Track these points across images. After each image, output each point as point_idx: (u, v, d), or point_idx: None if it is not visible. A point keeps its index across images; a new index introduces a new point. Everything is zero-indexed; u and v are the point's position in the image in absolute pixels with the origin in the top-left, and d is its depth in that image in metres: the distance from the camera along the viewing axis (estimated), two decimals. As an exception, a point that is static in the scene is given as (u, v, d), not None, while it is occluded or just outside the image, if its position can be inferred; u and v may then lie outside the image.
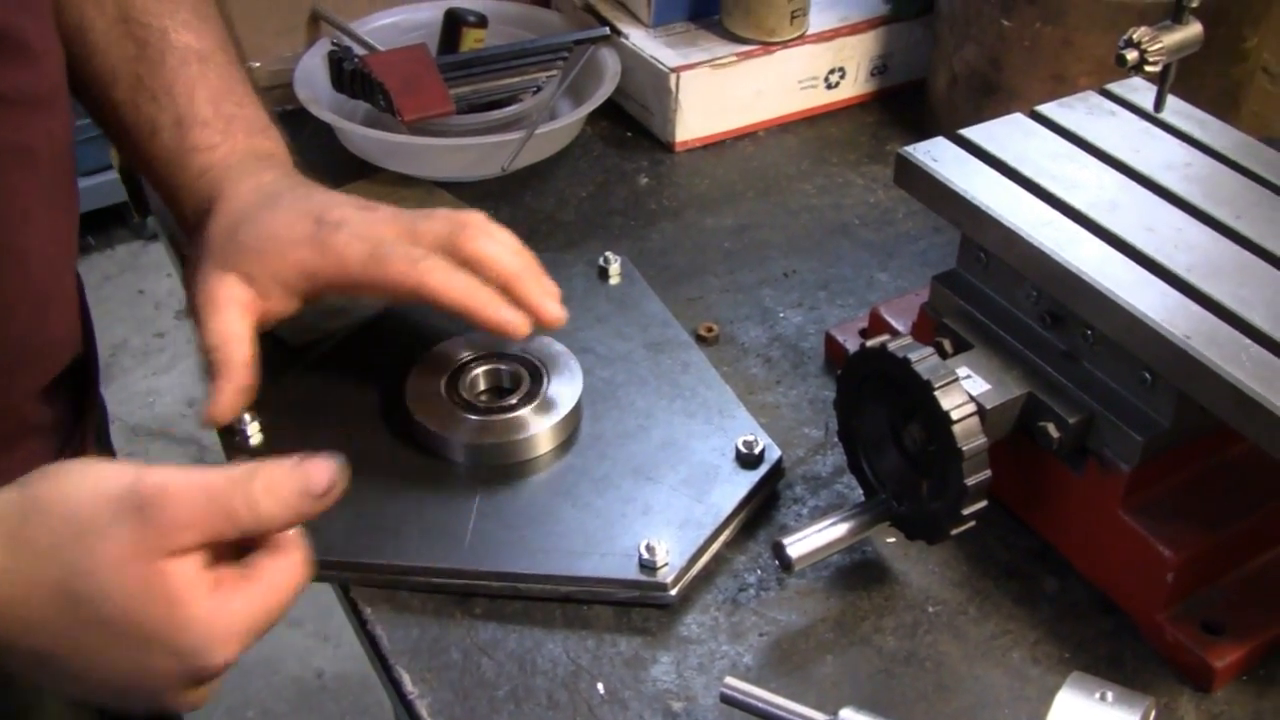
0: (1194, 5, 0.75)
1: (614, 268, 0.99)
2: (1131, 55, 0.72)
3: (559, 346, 0.89)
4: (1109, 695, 0.63)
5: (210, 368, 0.81)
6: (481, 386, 0.89)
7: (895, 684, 0.75)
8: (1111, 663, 0.76)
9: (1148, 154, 0.84)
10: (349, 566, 0.79)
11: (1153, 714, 0.64)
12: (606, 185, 1.14)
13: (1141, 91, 0.90)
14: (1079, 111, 0.88)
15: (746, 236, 1.09)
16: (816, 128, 1.23)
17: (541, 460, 0.85)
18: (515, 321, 0.81)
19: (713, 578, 0.80)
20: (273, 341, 0.92)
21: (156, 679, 0.62)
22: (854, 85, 1.24)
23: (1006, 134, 0.86)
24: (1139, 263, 0.76)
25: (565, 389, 0.87)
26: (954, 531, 0.76)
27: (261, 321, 0.83)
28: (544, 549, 0.79)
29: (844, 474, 0.86)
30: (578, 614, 0.78)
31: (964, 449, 0.72)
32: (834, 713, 0.68)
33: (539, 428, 0.85)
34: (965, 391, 0.74)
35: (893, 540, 0.83)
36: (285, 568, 0.64)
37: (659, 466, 0.84)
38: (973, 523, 0.76)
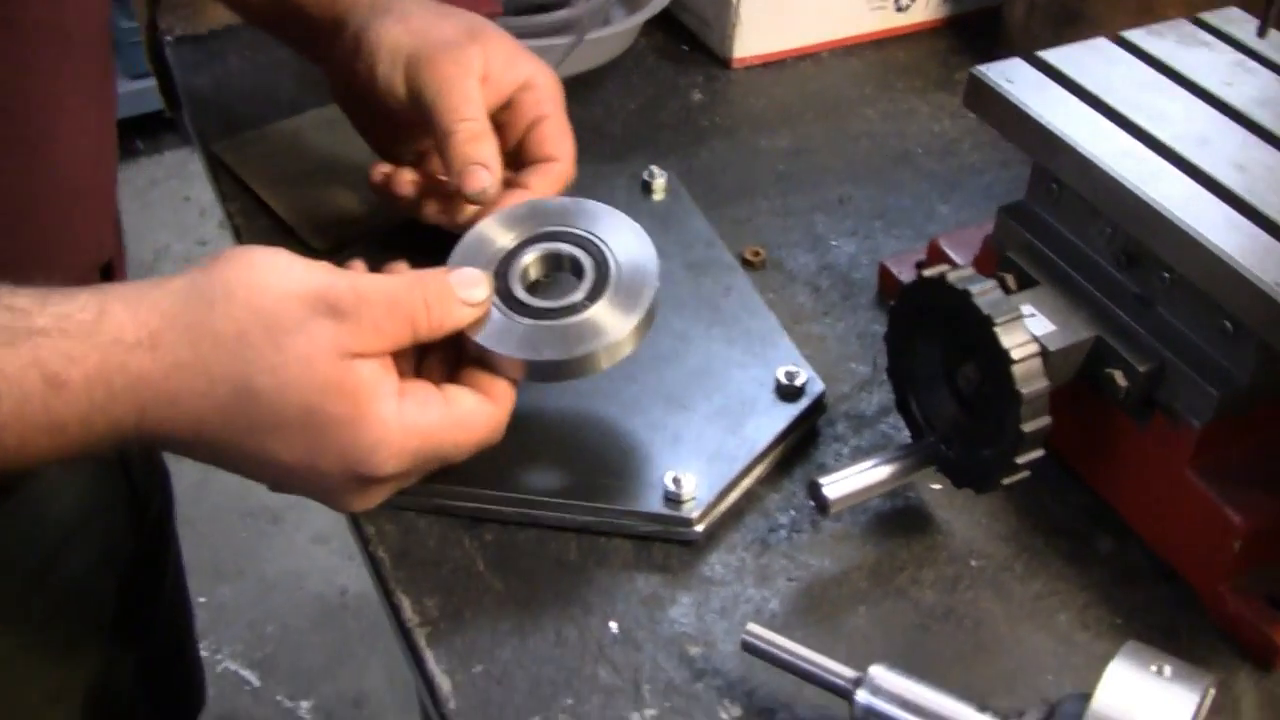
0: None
1: (658, 182, 0.93)
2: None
3: (616, 216, 0.75)
4: (1166, 669, 0.58)
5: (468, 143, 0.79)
6: (534, 276, 0.74)
7: (931, 641, 0.70)
8: (1166, 633, 0.71)
9: (1242, 87, 0.78)
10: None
11: (1211, 693, 0.58)
12: (658, 99, 1.08)
13: (1238, 23, 0.83)
14: (1169, 40, 0.81)
15: (802, 160, 1.03)
16: (884, 51, 1.16)
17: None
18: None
19: (742, 516, 0.75)
20: (300, 246, 0.88)
21: (325, 479, 0.64)
22: (926, 9, 1.17)
23: (1089, 59, 0.79)
24: (1227, 202, 0.69)
25: (638, 275, 0.72)
26: (1006, 481, 0.70)
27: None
28: (562, 473, 0.74)
29: (890, 414, 0.81)
30: (594, 546, 0.73)
31: (1023, 392, 0.66)
32: (863, 669, 0.62)
33: (618, 331, 0.70)
34: (1028, 330, 0.68)
35: (938, 487, 0.77)
36: (480, 409, 0.67)
37: (692, 394, 0.79)
38: (1027, 473, 0.70)
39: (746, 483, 0.76)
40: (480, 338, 0.68)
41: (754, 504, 0.76)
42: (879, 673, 0.62)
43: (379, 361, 0.63)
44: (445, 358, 0.70)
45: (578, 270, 0.72)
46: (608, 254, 0.72)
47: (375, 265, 0.72)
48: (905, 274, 0.89)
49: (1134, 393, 0.71)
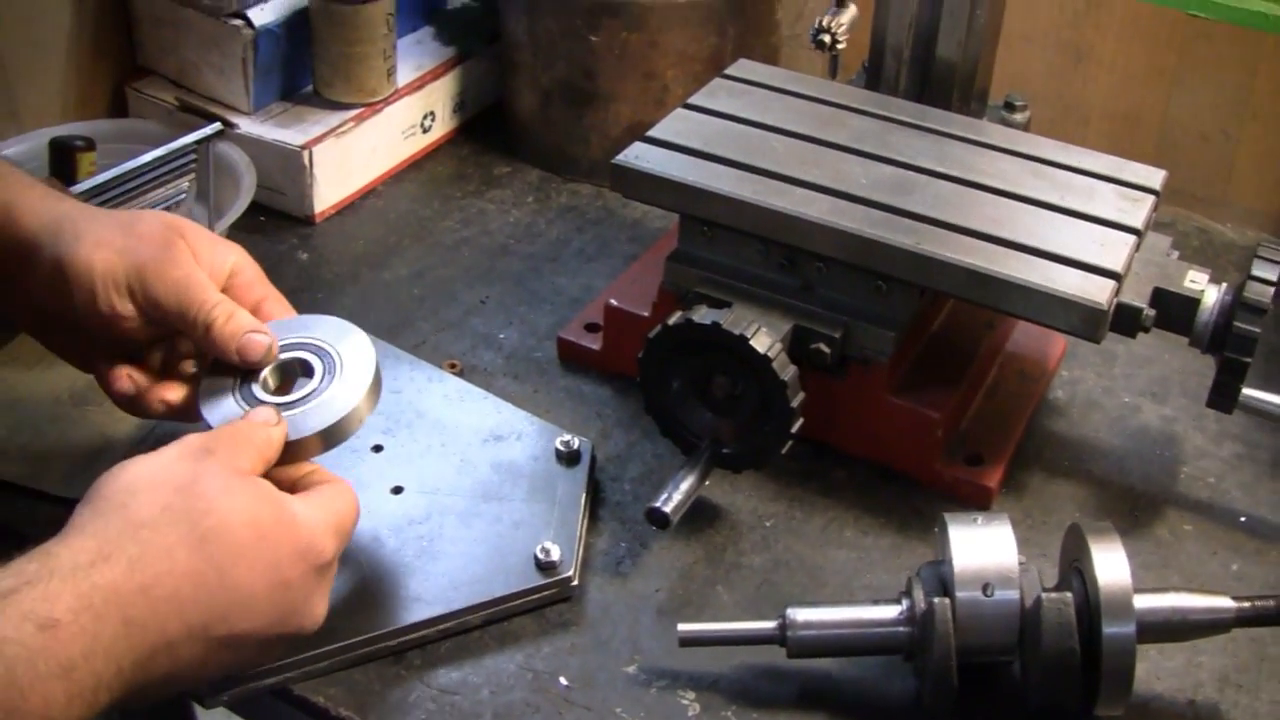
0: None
1: (351, 336, 1.04)
2: (826, 39, 0.89)
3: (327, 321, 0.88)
4: (979, 519, 0.81)
5: (230, 321, 0.83)
6: (273, 383, 0.85)
7: (779, 589, 0.89)
8: (915, 513, 0.95)
9: (800, 116, 1.03)
10: (285, 669, 0.81)
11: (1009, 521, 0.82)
12: (272, 270, 1.15)
13: (753, 69, 1.09)
14: (722, 96, 1.05)
15: (427, 279, 1.18)
16: (425, 170, 1.33)
17: (392, 505, 0.90)
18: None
19: (591, 563, 0.91)
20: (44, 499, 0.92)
21: (293, 587, 0.72)
22: (443, 124, 1.35)
23: (683, 127, 1.01)
24: (849, 200, 0.94)
25: (354, 354, 0.85)
26: (784, 450, 0.91)
27: None
28: (451, 585, 0.86)
29: (636, 446, 0.99)
30: (503, 631, 0.86)
31: (785, 379, 0.87)
32: (779, 615, 0.81)
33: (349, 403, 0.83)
34: (770, 334, 0.89)
35: (707, 484, 0.96)
36: (341, 486, 0.79)
37: (503, 485, 0.93)
38: (792, 440, 0.91)
39: (582, 537, 0.91)
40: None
41: (593, 553, 0.92)
42: (794, 611, 0.81)
43: (265, 480, 0.75)
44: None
45: (308, 369, 0.85)
46: (328, 348, 0.85)
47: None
48: (583, 340, 1.07)
49: (834, 355, 0.94)
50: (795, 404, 0.88)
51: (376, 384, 0.84)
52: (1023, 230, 0.92)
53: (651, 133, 1.01)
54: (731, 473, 0.94)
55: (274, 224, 1.25)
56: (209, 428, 0.80)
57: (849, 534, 0.93)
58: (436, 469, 0.94)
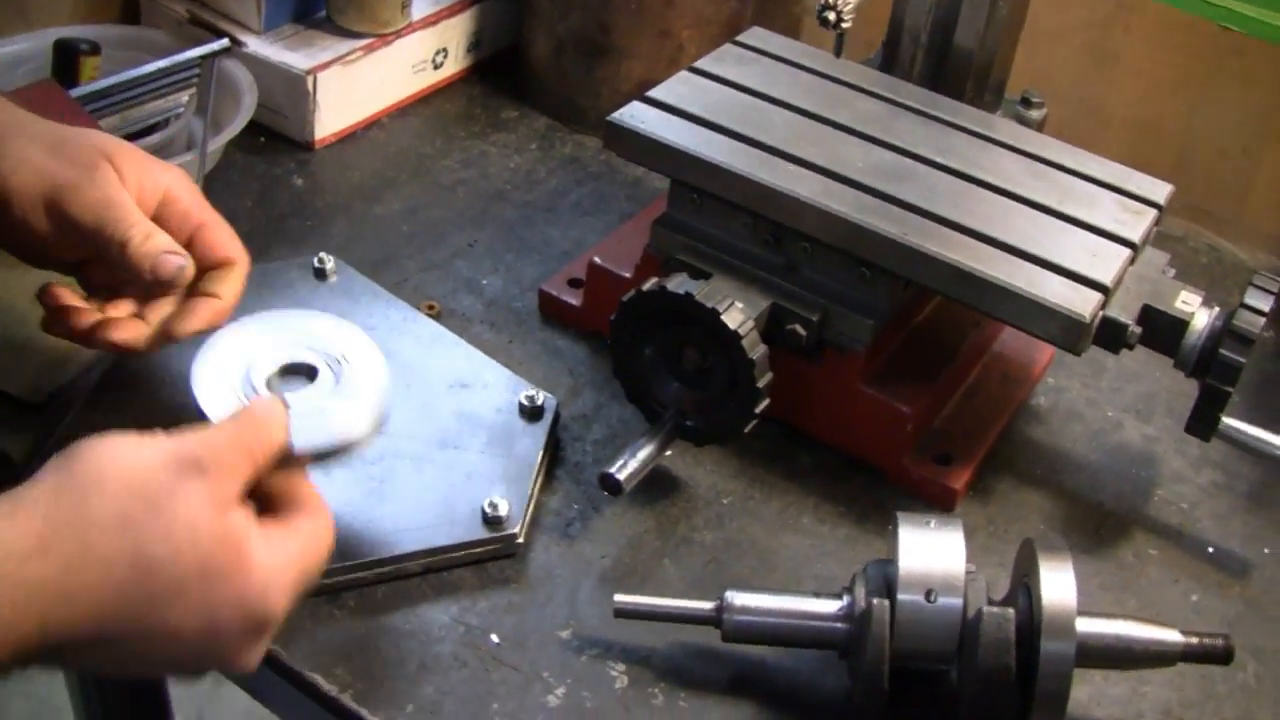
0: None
1: (330, 266, 1.03)
2: (831, 16, 0.87)
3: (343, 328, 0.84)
4: (932, 523, 0.79)
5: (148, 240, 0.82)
6: (279, 384, 0.81)
7: (726, 568, 0.88)
8: (876, 507, 0.93)
9: (807, 91, 1.01)
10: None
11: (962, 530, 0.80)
12: (265, 192, 1.17)
13: (765, 38, 1.07)
14: (730, 63, 1.03)
15: (419, 217, 1.16)
16: (432, 106, 1.32)
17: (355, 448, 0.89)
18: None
19: (541, 522, 0.90)
20: (5, 401, 0.91)
21: (222, 637, 0.65)
22: (456, 62, 1.33)
23: (686, 90, 0.99)
24: (840, 181, 0.92)
25: (367, 373, 0.82)
26: (747, 429, 0.89)
27: None
28: (395, 530, 0.85)
29: (604, 408, 0.98)
30: (442, 581, 0.85)
31: (754, 358, 0.86)
32: (718, 597, 0.80)
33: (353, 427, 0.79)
34: (743, 311, 0.87)
35: (669, 453, 0.95)
36: (320, 523, 0.71)
37: (462, 434, 0.92)
38: (757, 418, 0.89)
39: (535, 494, 0.90)
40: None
41: (544, 510, 0.90)
42: (733, 595, 0.79)
43: (243, 509, 0.67)
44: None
45: (312, 373, 0.80)
46: (339, 357, 0.81)
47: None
48: (565, 295, 1.05)
49: (810, 338, 0.92)
50: (762, 384, 0.87)
51: (381, 400, 0.79)
52: (1015, 232, 0.90)
53: (651, 93, 0.98)
54: (694, 446, 0.93)
55: (273, 147, 1.23)
56: (202, 415, 0.76)
57: (806, 521, 0.92)
58: (398, 411, 0.92)
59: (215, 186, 1.17)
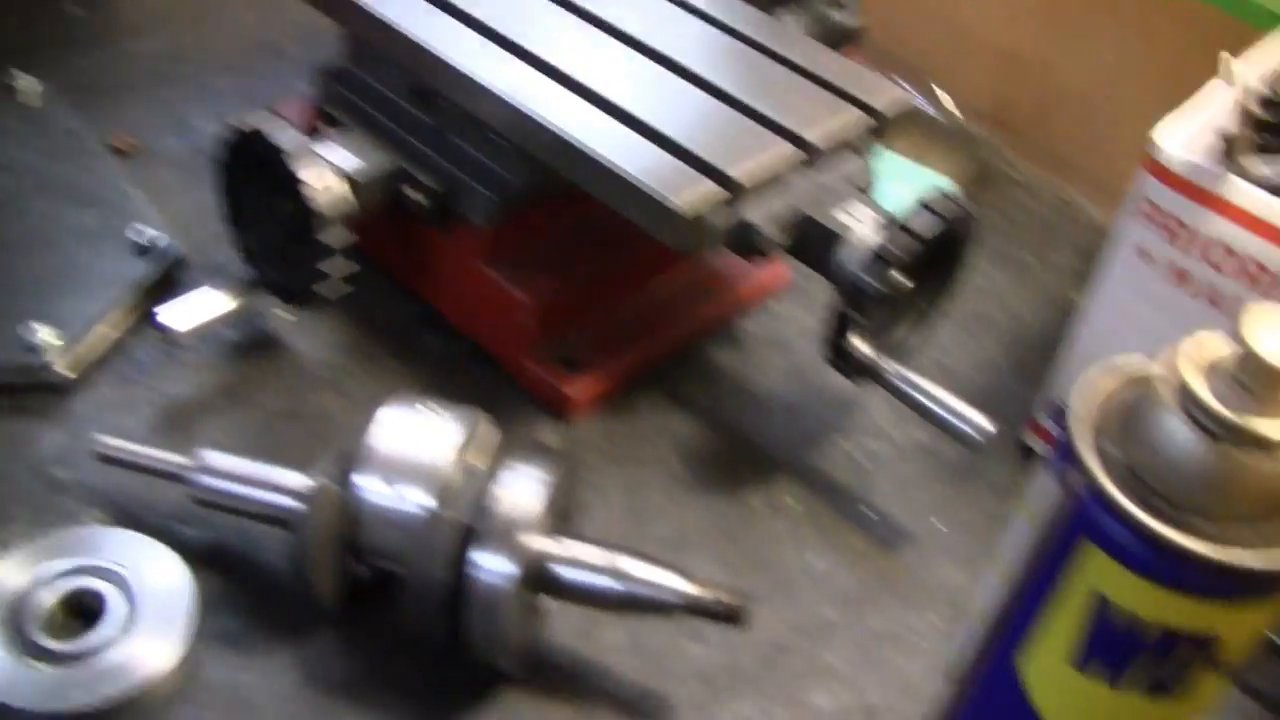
0: None
1: (21, 83, 0.98)
2: None
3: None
4: (435, 408, 0.70)
5: None
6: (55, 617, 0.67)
7: (275, 436, 0.80)
8: (487, 405, 0.82)
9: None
10: None
11: (481, 423, 0.70)
12: (34, 17, 1.12)
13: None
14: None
15: (178, 60, 1.10)
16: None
17: None
18: None
19: (109, 361, 0.82)
20: None
21: None
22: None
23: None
24: (501, 45, 0.82)
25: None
26: (316, 288, 0.80)
27: None
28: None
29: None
30: (-15, 404, 0.79)
31: (321, 210, 0.77)
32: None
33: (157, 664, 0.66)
34: (322, 158, 0.78)
35: (292, 318, 0.87)
36: None
37: (55, 257, 0.85)
38: (329, 278, 0.80)
39: (111, 333, 0.83)
40: None
41: (120, 351, 0.83)
42: (207, 453, 0.71)
43: None
44: None
45: (100, 605, 0.67)
46: (131, 582, 0.68)
47: None
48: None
49: (433, 208, 0.82)
50: (325, 238, 0.78)
51: (188, 645, 0.67)
52: (665, 114, 0.78)
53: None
54: (304, 310, 0.85)
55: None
56: None
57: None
58: (12, 225, 0.87)
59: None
